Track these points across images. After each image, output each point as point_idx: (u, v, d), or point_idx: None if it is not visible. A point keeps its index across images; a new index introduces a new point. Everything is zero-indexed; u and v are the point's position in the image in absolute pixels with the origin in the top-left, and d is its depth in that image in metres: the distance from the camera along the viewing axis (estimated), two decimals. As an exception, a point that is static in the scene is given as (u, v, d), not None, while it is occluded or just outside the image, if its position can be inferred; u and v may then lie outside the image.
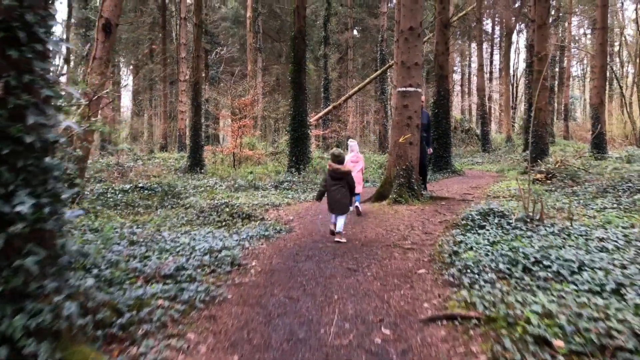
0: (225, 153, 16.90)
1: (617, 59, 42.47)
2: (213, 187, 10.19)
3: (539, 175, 9.63)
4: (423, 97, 8.60)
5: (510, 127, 31.07)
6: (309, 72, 40.02)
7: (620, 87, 27.83)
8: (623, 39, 39.60)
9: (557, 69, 34.95)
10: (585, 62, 51.88)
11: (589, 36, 48.03)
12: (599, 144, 17.37)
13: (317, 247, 5.19)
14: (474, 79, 53.37)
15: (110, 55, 9.27)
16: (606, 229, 4.89)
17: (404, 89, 8.41)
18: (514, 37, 39.00)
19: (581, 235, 4.60)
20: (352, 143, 7.91)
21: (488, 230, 5.17)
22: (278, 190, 10.37)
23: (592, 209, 6.73)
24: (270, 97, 39.87)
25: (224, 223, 7.20)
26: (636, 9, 27.48)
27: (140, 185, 9.71)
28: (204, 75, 42.97)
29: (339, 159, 5.74)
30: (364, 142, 38.95)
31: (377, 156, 22.57)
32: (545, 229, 4.94)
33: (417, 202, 8.26)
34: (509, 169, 15.64)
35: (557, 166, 10.30)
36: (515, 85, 47.74)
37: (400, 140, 8.43)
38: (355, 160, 7.54)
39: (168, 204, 8.83)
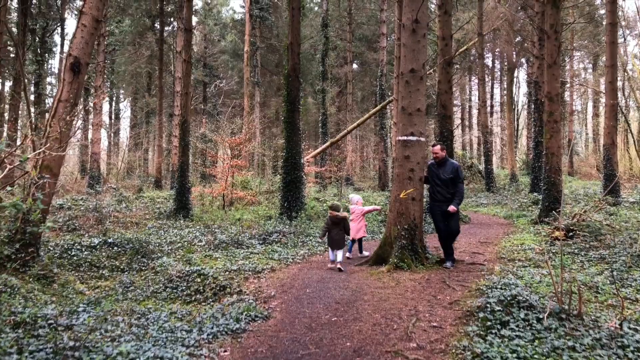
0: (215, 195, 15.87)
1: (620, 94, 41.94)
2: (191, 243, 9.10)
3: (557, 233, 8.54)
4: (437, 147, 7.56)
5: (515, 163, 30.15)
6: (308, 106, 39.47)
7: (628, 123, 26.98)
8: (625, 74, 39.16)
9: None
10: (585, 96, 51.49)
11: (589, 71, 47.77)
12: (611, 188, 16.36)
13: (296, 353, 4.07)
14: (475, 112, 52.95)
15: (78, 98, 8.34)
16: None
17: (405, 137, 7.42)
18: (515, 71, 38.55)
19: (639, 350, 3.50)
20: (352, 197, 9.03)
21: (513, 329, 4.07)
22: (265, 246, 9.28)
23: (631, 286, 5.63)
24: (269, 131, 39.21)
25: (193, 298, 6.11)
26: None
27: (109, 240, 8.63)
28: (202, 107, 42.54)
29: (336, 209, 7.77)
30: (364, 177, 38.02)
31: (376, 195, 21.56)
32: (589, 333, 3.85)
33: (422, 268, 7.16)
34: (518, 215, 14.57)
35: (575, 220, 9.24)
36: (516, 119, 47.19)
37: (402, 195, 7.40)
38: (353, 210, 8.77)
39: (137, 266, 7.74)
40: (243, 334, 4.51)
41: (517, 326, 4.13)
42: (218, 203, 16.61)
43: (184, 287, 6.35)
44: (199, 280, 6.45)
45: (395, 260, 7.13)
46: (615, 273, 6.21)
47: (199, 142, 26.05)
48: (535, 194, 19.24)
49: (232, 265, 7.27)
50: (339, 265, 7.39)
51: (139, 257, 8.10)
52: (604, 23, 32.32)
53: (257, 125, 29.93)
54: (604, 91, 19.51)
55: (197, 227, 11.66)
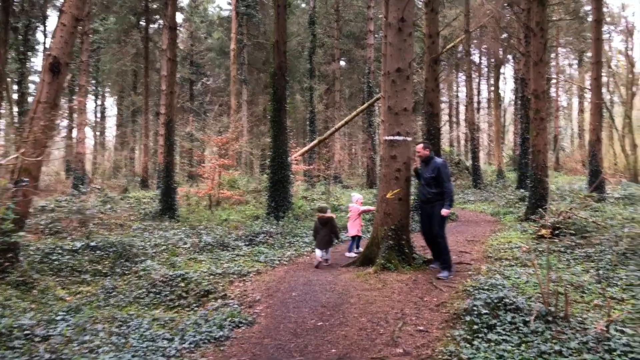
0: (201, 195, 15.70)
1: (605, 89, 42.33)
2: (176, 246, 8.95)
3: (543, 232, 8.53)
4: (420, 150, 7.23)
5: (502, 159, 30.31)
6: (296, 104, 39.30)
7: (612, 120, 27.27)
8: (610, 70, 39.54)
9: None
10: (571, 92, 51.95)
11: (575, 67, 48.12)
12: (596, 184, 16.50)
13: (280, 360, 3.99)
14: (462, 109, 53.17)
15: (58, 99, 8.15)
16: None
17: (391, 137, 7.35)
18: (502, 68, 38.71)
19: (625, 354, 3.47)
20: (353, 195, 9.31)
21: (500, 333, 4.02)
22: (251, 247, 9.16)
23: (617, 285, 5.63)
24: (257, 129, 38.97)
25: (176, 303, 5.99)
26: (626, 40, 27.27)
27: (92, 244, 8.46)
28: (189, 105, 42.15)
29: (322, 211, 8.17)
30: (352, 174, 37.98)
31: (364, 192, 21.51)
32: (576, 336, 3.81)
33: (409, 269, 7.11)
34: (505, 212, 14.61)
35: (561, 218, 9.26)
36: (503, 115, 47.43)
37: (388, 195, 7.34)
38: (351, 209, 9.08)
39: (120, 270, 7.59)
40: (226, 341, 4.42)
41: (504, 330, 4.08)
42: (205, 203, 16.44)
43: (167, 292, 6.23)
44: (182, 284, 6.33)
45: (382, 261, 7.07)
46: (601, 272, 6.21)
47: (186, 141, 25.80)
48: (522, 190, 19.32)
49: (217, 269, 7.16)
50: (323, 263, 7.81)
51: (122, 260, 7.95)
52: (589, 20, 32.56)
53: (244, 123, 29.73)
54: (589, 88, 19.65)
55: (183, 228, 11.51)
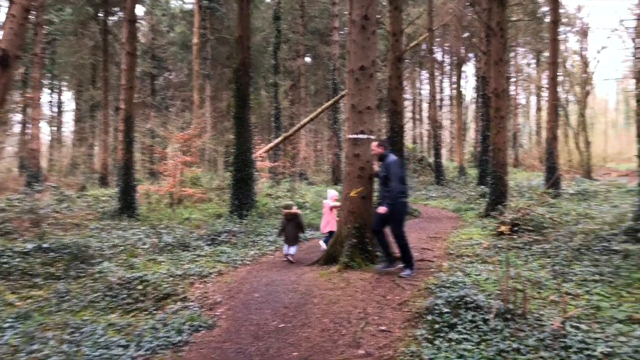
0: (162, 193, 15.32)
1: (561, 88, 43.79)
2: (134, 246, 8.68)
3: (503, 228, 8.74)
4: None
5: (463, 156, 30.95)
6: (260, 100, 38.94)
7: (567, 118, 28.24)
8: (565, 69, 40.93)
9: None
10: (529, 90, 53.53)
11: (532, 66, 49.56)
12: (553, 181, 17.04)
13: (241, 365, 3.90)
14: (425, 106, 54.00)
15: (6, 94, 7.75)
16: (605, 332, 3.89)
17: (355, 136, 7.33)
18: (463, 66, 39.44)
19: (581, 351, 3.55)
20: (329, 191, 9.55)
21: (461, 332, 4.06)
22: (213, 247, 8.98)
23: (572, 280, 5.79)
24: (221, 125, 38.40)
25: (134, 307, 5.79)
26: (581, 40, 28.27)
27: (45, 245, 8.10)
28: (150, 100, 41.13)
29: (288, 207, 8.56)
30: (318, 171, 37.98)
31: (330, 189, 21.48)
32: (533, 333, 3.88)
33: (372, 267, 7.11)
34: (466, 208, 14.90)
35: (520, 214, 9.49)
36: (464, 113, 48.42)
37: (352, 194, 7.32)
38: (324, 205, 9.19)
39: (74, 273, 7.28)
40: (185, 347, 4.29)
41: (465, 328, 4.12)
42: (166, 201, 16.06)
43: (124, 296, 6.01)
44: (140, 287, 6.13)
45: (346, 260, 7.04)
46: (557, 267, 6.38)
47: (147, 138, 25.15)
48: (483, 186, 19.76)
49: (177, 270, 6.97)
50: (290, 257, 8.11)
51: (77, 262, 7.64)
52: (547, 20, 33.54)
53: (207, 119, 29.22)
54: (546, 87, 20.26)
55: (143, 227, 11.18)
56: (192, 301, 5.85)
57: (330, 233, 8.85)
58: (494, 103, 12.30)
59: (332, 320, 4.90)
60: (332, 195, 9.19)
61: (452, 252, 8.20)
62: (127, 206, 13.53)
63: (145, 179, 24.51)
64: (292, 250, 8.17)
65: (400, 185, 6.48)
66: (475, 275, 6.27)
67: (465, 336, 3.96)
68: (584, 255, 6.78)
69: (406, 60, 33.05)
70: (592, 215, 9.72)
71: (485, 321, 4.18)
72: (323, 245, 8.78)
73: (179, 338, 4.37)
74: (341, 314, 5.09)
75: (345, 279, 6.52)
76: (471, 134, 49.60)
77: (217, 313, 5.32)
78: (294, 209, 8.54)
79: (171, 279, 6.53)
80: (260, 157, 20.68)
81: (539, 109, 45.95)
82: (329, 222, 8.90)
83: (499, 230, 8.80)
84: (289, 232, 8.21)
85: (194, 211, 14.10)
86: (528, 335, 3.84)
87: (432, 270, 6.99)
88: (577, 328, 4.03)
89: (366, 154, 7.34)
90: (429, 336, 4.11)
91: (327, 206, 9.04)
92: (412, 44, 22.38)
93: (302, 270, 7.21)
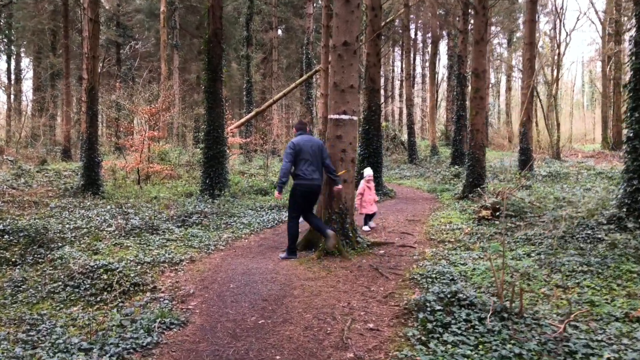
0: (128, 169, 14.59)
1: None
2: (99, 229, 8.11)
3: (484, 212, 8.58)
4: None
5: (435, 135, 30.94)
6: (232, 72, 37.80)
7: (539, 99, 28.44)
8: (537, 51, 41.16)
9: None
10: (499, 70, 53.92)
11: (504, 46, 49.76)
12: (526, 161, 17.12)
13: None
14: (397, 84, 53.77)
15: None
16: (606, 334, 3.70)
17: (337, 116, 6.93)
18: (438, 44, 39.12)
19: (587, 357, 3.33)
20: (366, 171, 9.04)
21: (456, 333, 3.79)
22: (184, 230, 8.51)
23: (560, 271, 5.64)
24: (190, 97, 37.18)
25: (98, 298, 5.33)
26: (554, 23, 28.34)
27: (-1, 227, 7.46)
28: (115, 70, 39.39)
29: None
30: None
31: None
32: (534, 335, 3.65)
33: (353, 254, 6.84)
34: (442, 189, 14.79)
35: (500, 198, 9.35)
36: (436, 91, 48.44)
37: (333, 177, 6.96)
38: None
39: (32, 259, 6.71)
40: (155, 349, 3.88)
41: (460, 329, 3.86)
42: (133, 177, 15.34)
43: (87, 286, 5.53)
44: (105, 277, 5.65)
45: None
46: (542, 256, 6.23)
47: (112, 111, 24.01)
48: (457, 166, 19.76)
49: (145, 256, 6.50)
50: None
51: (35, 247, 7.05)
52: (522, 1, 33.44)
53: (176, 91, 28.15)
54: (521, 68, 20.19)
55: (108, 207, 10.55)
56: (162, 292, 5.43)
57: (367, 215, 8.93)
58: (474, 83, 12.06)
59: (316, 315, 4.57)
60: (367, 175, 8.90)
61: (434, 237, 8.00)
62: (91, 183, 12.80)
63: (112, 154, 23.51)
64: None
65: (283, 167, 6.58)
66: (461, 264, 6.06)
67: (461, 338, 3.70)
68: (569, 243, 6.66)
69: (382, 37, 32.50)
70: (570, 200, 9.67)
71: (480, 320, 3.93)
72: (366, 228, 8.88)
73: (149, 339, 3.96)
74: (324, 308, 4.77)
75: (326, 267, 6.21)
76: (442, 113, 49.75)
77: (190, 307, 4.92)
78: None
79: (139, 267, 6.07)
80: (231, 132, 20.04)
81: (508, 89, 46.37)
82: (370, 202, 8.82)
83: (480, 215, 8.63)
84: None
85: (163, 189, 13.50)
86: (528, 338, 3.60)
87: (415, 257, 6.75)
88: (576, 328, 3.83)
89: (348, 135, 6.96)
90: (422, 337, 3.84)
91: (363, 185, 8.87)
92: (388, 20, 21.88)
93: (279, 257, 6.85)
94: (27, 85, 46.02)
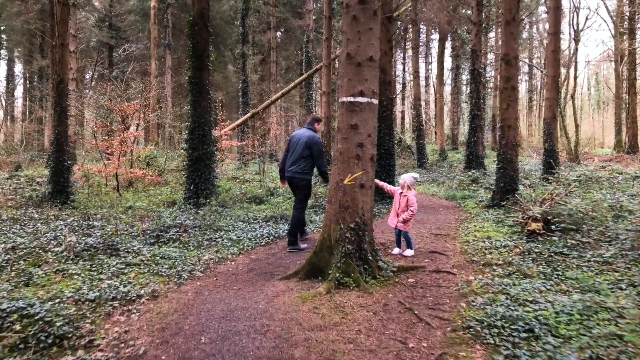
0: (105, 174, 12.80)
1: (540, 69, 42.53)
2: (44, 248, 6.30)
3: (534, 225, 6.79)
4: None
5: (444, 138, 29.23)
6: (228, 74, 36.09)
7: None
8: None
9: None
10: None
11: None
12: (551, 164, 15.39)
13: None
14: (399, 87, 52.07)
15: None
16: None
17: (351, 98, 5.16)
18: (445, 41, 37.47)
19: None
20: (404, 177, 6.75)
21: None
22: (156, 248, 6.71)
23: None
24: (184, 99, 35.44)
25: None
26: (572, 16, 26.67)
27: None
28: (107, 73, 37.72)
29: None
30: (289, 152, 35.69)
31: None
32: None
33: (374, 284, 5.06)
34: (462, 195, 13.01)
35: (547, 207, 7.58)
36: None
37: (346, 181, 5.19)
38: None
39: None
40: None
41: None
42: (114, 184, 13.57)
43: (-9, 340, 3.75)
44: (19, 326, 3.87)
45: (338, 275, 4.95)
46: (631, 291, 4.45)
47: (98, 113, 22.25)
48: (473, 171, 18.07)
49: (89, 290, 4.72)
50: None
51: (-52, 276, 5.27)
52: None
53: (168, 92, 26.44)
54: (540, 62, 18.51)
55: (72, 218, 8.78)
56: (100, 350, 3.65)
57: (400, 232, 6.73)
58: (504, 71, 10.32)
59: (331, 405, 2.79)
60: (411, 181, 6.70)
61: (474, 258, 6.21)
62: (59, 190, 11.03)
63: (96, 160, 21.73)
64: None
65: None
66: (529, 302, 4.28)
67: None
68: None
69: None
70: (629, 208, 7.91)
71: None
72: (397, 250, 6.74)
73: None
74: (343, 387, 2.99)
75: (340, 307, 4.43)
76: (445, 117, 47.97)
77: (132, 383, 3.14)
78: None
79: (75, 308, 4.29)
80: (226, 135, 18.32)
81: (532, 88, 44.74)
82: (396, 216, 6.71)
83: (529, 228, 6.84)
84: None
85: (142, 197, 11.72)
86: None
87: (458, 289, 4.97)
88: None
89: (367, 125, 5.20)
90: None
91: (397, 193, 6.79)
92: (402, 9, 20.23)
93: (274, 288, 5.06)
94: (20, 91, 44.43)
